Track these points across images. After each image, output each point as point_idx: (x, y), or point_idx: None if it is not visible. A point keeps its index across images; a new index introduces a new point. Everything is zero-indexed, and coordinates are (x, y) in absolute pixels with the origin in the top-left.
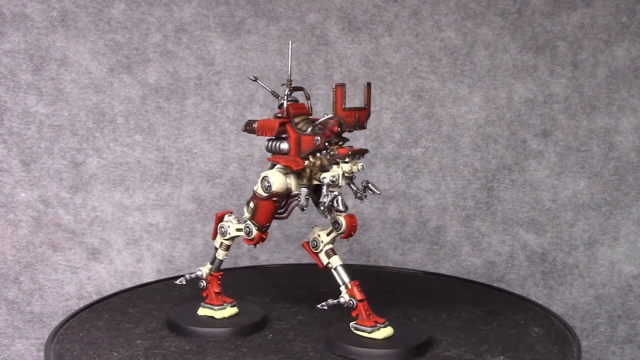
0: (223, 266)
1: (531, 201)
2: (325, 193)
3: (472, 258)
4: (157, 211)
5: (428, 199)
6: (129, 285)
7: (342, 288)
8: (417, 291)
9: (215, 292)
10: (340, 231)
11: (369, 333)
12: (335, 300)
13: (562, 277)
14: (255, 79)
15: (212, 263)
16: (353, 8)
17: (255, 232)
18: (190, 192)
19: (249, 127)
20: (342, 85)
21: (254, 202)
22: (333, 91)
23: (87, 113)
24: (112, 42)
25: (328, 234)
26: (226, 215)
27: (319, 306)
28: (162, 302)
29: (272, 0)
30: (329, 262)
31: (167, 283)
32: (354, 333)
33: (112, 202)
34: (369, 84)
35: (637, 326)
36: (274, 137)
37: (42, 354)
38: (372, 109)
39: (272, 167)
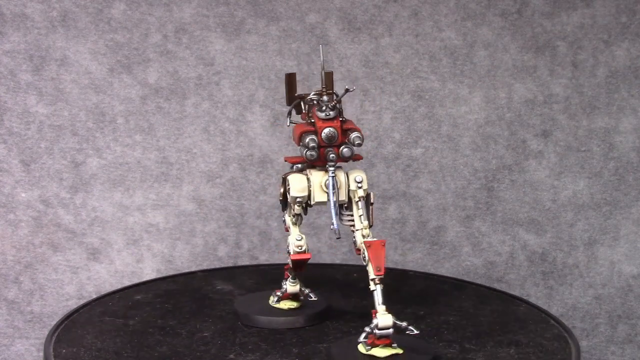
0: (223, 265)
1: (531, 201)
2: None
3: (472, 258)
4: (157, 211)
5: (428, 199)
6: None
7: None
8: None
9: None
10: None
11: None
12: None
13: (562, 277)
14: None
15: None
16: (353, 8)
17: None
18: (190, 192)
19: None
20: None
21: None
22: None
23: (87, 113)
24: (112, 42)
25: None
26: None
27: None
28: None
29: (272, 0)
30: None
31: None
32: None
33: (112, 202)
34: (328, 73)
35: (637, 326)
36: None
37: (42, 354)
38: (372, 109)
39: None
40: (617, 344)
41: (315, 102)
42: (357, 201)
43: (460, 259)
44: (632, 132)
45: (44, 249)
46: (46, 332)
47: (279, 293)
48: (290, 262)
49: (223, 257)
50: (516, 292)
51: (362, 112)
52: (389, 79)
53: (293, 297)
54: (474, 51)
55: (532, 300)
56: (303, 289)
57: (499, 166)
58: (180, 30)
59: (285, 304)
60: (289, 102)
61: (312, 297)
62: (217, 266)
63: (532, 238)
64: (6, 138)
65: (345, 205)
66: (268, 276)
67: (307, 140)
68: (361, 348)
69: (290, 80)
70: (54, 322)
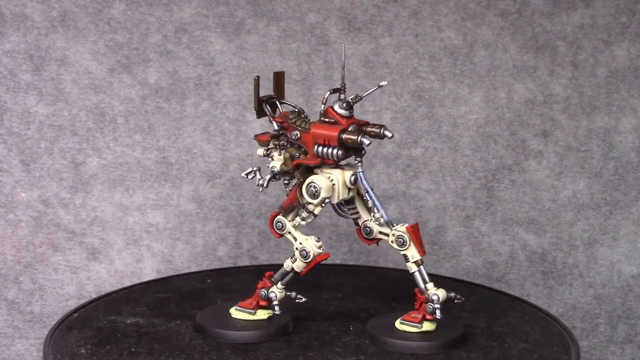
0: (224, 266)
1: (531, 201)
2: None
3: (472, 258)
4: (157, 211)
5: (428, 199)
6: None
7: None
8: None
9: None
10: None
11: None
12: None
13: (562, 277)
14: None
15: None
16: (353, 8)
17: None
18: (190, 192)
19: None
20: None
21: None
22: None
23: (87, 113)
24: (112, 42)
25: None
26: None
27: None
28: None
29: (272, 0)
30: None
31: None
32: None
33: (112, 202)
34: (279, 73)
35: (637, 326)
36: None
37: (42, 354)
38: (372, 109)
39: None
40: (617, 344)
41: (349, 100)
42: (366, 192)
43: (460, 259)
44: (632, 132)
45: (44, 249)
46: (46, 332)
47: (276, 302)
48: (294, 267)
49: (223, 257)
50: (516, 292)
51: (362, 112)
52: (389, 79)
53: (269, 304)
54: (474, 51)
55: (532, 300)
56: (289, 293)
57: (499, 166)
58: (180, 30)
59: (265, 313)
60: (257, 106)
61: (301, 299)
62: (218, 266)
63: (532, 238)
64: (6, 138)
65: (346, 199)
66: (152, 302)
67: (360, 138)
68: (401, 327)
69: (259, 84)
70: (54, 322)
